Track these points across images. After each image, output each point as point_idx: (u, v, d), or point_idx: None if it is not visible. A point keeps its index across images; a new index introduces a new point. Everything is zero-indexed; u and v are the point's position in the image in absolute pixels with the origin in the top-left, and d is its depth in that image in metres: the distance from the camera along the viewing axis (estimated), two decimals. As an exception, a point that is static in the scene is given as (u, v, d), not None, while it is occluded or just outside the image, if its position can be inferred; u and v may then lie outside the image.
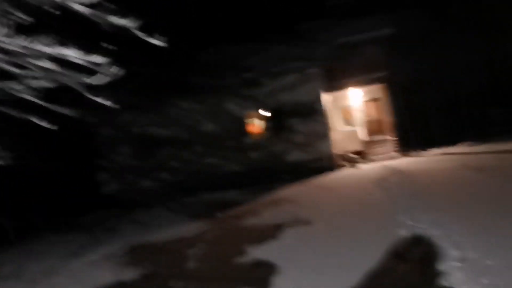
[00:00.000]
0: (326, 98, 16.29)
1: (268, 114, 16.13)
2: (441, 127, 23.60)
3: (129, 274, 6.20)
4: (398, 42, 19.13)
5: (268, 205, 10.28)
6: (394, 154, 16.94)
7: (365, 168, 15.08)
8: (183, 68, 18.03)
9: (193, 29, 22.37)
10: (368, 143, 18.02)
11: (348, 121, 19.08)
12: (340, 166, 16.08)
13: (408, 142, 20.97)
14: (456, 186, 8.76)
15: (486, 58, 21.22)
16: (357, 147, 17.75)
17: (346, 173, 14.46)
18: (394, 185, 10.02)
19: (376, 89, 18.21)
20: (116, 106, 4.45)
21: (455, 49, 22.11)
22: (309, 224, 7.43)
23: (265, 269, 5.23)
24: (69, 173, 17.33)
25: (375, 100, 18.82)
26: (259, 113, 16.37)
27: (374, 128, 18.78)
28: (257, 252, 6.13)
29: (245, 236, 7.37)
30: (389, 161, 16.00)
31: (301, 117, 15.61)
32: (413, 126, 23.35)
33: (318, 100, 15.51)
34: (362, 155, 17.42)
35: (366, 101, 18.93)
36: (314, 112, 15.53)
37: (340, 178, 13.21)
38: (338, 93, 18.03)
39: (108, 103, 4.31)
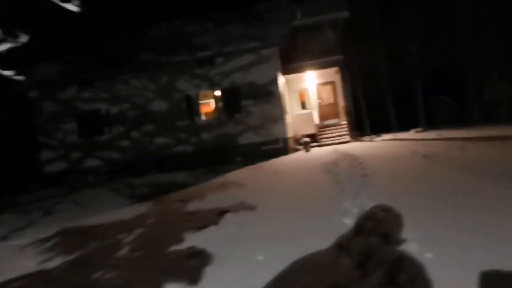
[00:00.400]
0: (281, 81, 16.05)
1: (222, 94, 15.70)
2: (393, 113, 24.10)
3: (55, 262, 5.73)
4: (354, 27, 19.15)
5: (215, 189, 9.99)
6: (346, 138, 17.05)
7: (317, 152, 15.05)
8: (131, 43, 17.16)
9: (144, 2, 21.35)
10: (321, 127, 18.04)
11: (303, 104, 19.01)
12: (293, 150, 16.01)
13: (361, 127, 21.26)
14: (403, 172, 8.82)
15: (438, 50, 21.77)
16: (311, 130, 17.74)
17: (298, 156, 14.36)
18: (344, 170, 9.99)
19: (331, 73, 18.19)
20: (23, 78, 3.88)
21: (408, 39, 22.52)
22: (253, 209, 7.20)
23: (200, 259, 4.93)
24: (7, 150, 16.26)
25: (329, 83, 18.81)
26: (212, 93, 15.91)
27: (327, 111, 18.81)
28: (195, 240, 5.83)
29: (186, 221, 7.05)
30: (341, 145, 16.08)
31: (256, 98, 15.30)
32: (366, 111, 23.72)
33: (274, 82, 15.23)
34: (315, 138, 17.43)
35: (320, 85, 18.89)
36: (270, 94, 15.26)
37: (291, 162, 13.08)
38: (294, 76, 17.86)
39: (10, 73, 3.74)
